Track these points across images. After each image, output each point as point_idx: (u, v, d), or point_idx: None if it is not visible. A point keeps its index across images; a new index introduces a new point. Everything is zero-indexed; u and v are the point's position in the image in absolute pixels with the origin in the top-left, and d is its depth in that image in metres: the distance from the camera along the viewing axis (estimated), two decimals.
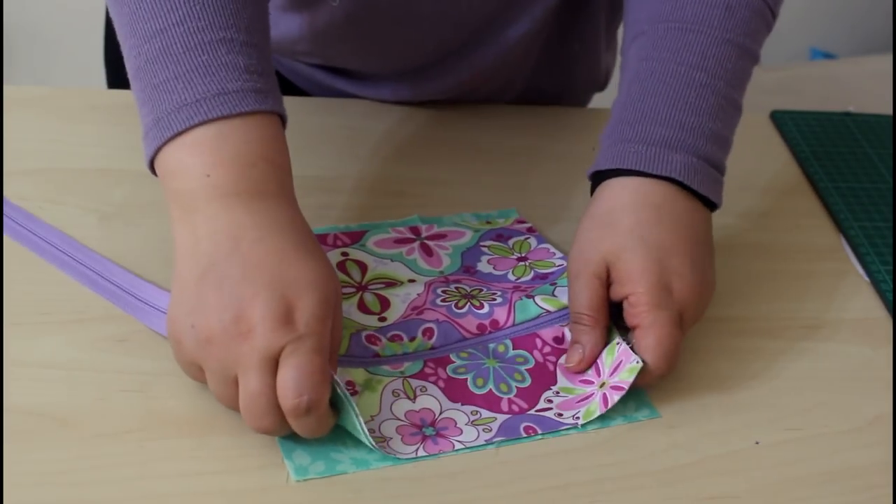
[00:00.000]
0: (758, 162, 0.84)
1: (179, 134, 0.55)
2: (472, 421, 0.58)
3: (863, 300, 0.71)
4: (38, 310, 0.61)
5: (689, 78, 0.65)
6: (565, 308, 0.64)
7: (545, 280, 0.67)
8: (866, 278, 0.73)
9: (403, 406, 0.58)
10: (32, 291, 0.62)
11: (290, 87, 0.89)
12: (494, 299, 0.64)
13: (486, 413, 0.59)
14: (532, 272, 0.68)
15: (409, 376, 0.60)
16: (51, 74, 1.88)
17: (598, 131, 0.85)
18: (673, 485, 0.56)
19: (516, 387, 0.60)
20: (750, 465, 0.58)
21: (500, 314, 0.63)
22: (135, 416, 0.56)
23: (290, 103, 0.82)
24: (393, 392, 0.59)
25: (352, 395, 0.58)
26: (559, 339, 0.63)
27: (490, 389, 0.60)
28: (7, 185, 0.70)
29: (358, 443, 0.55)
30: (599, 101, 0.98)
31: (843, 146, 0.87)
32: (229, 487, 0.53)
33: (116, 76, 0.97)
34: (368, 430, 0.55)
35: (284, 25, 0.80)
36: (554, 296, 0.65)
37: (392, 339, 0.61)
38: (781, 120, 0.90)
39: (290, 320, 0.52)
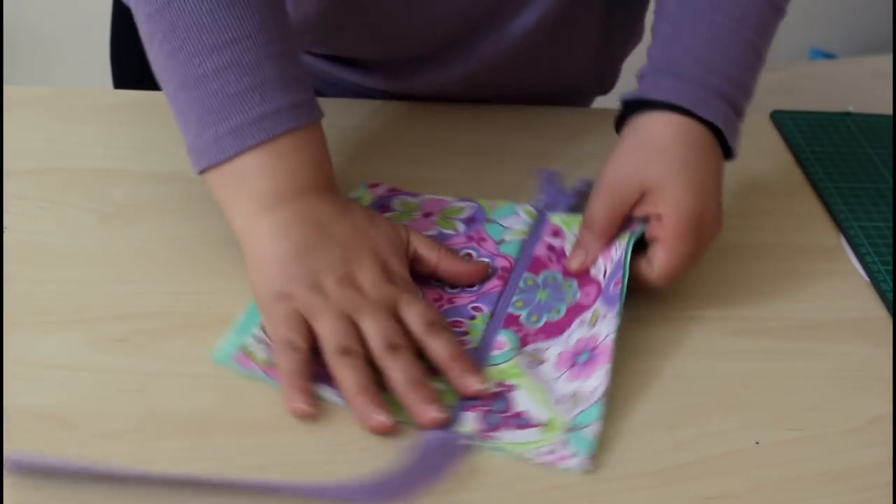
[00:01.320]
0: (758, 162, 0.84)
1: (265, 142, 0.61)
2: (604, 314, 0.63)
3: (863, 300, 0.71)
4: (38, 310, 0.61)
5: (726, 27, 0.69)
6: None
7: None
8: (866, 278, 0.73)
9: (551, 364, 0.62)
10: (32, 291, 0.62)
11: None
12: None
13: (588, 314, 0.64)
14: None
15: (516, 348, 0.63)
16: (52, 74, 1.88)
17: (599, 131, 0.85)
18: (673, 485, 0.56)
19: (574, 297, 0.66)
20: (750, 465, 0.58)
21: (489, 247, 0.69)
22: (135, 416, 0.56)
23: None
24: (527, 364, 0.62)
25: (509, 390, 0.60)
26: (556, 232, 0.71)
27: (566, 307, 0.66)
28: (7, 185, 0.70)
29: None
30: (599, 102, 0.98)
31: (843, 146, 0.87)
32: None
33: (122, 74, 0.98)
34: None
35: None
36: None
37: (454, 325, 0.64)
38: (781, 120, 0.90)
39: (391, 278, 0.62)
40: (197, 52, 0.61)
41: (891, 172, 0.85)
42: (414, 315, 0.61)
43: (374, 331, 0.59)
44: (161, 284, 0.64)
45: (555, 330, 0.64)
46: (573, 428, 0.57)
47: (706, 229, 0.66)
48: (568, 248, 0.69)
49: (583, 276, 0.67)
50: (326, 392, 0.58)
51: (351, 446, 0.56)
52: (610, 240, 0.67)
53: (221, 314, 0.63)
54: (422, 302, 0.62)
